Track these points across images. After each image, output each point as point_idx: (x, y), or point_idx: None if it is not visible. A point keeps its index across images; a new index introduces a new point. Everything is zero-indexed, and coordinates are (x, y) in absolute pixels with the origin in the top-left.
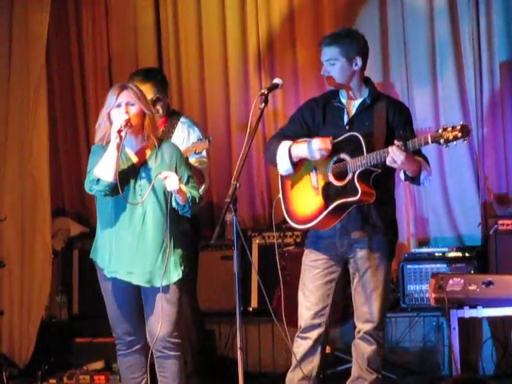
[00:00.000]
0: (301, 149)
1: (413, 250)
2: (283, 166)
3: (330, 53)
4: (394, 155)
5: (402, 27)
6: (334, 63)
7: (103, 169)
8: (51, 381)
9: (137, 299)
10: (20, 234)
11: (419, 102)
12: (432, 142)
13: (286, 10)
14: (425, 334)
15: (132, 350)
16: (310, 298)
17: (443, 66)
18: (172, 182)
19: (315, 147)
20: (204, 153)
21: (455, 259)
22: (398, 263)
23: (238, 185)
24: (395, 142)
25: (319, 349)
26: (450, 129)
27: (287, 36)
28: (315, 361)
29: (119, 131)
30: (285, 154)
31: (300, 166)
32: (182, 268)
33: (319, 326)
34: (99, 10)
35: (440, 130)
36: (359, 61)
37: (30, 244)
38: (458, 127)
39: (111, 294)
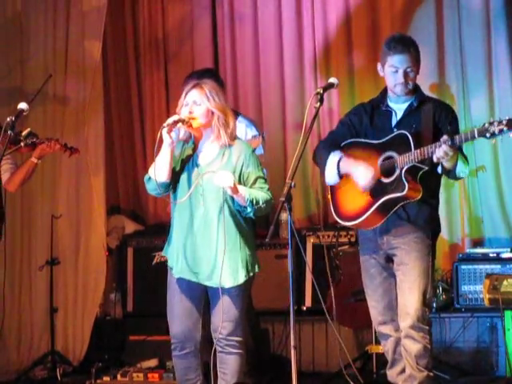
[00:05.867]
0: (348, 168)
1: (467, 251)
2: (331, 178)
3: (411, 59)
4: (442, 150)
5: (458, 28)
6: (412, 70)
7: (154, 168)
8: (105, 378)
9: (200, 299)
10: (75, 232)
11: (475, 104)
12: (478, 136)
13: (342, 11)
14: (479, 334)
15: (187, 351)
16: (374, 297)
17: (499, 67)
18: (220, 178)
19: (360, 181)
20: (261, 150)
21: (510, 260)
22: (453, 264)
23: (292, 184)
24: (443, 136)
25: None
26: (496, 123)
27: (343, 37)
28: None
29: (169, 131)
30: (333, 168)
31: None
32: (250, 268)
33: (392, 320)
34: (156, 8)
35: (486, 124)
36: (419, 65)
37: (85, 241)
38: (504, 121)
39: (176, 290)
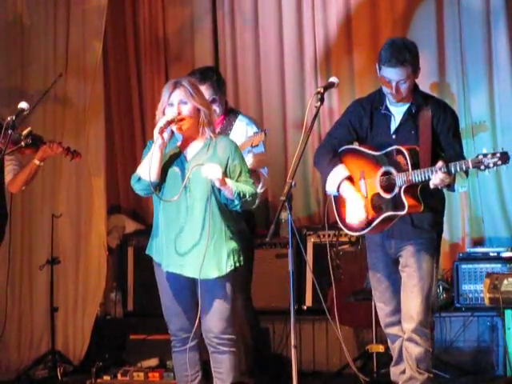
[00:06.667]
0: (346, 194)
1: (467, 250)
2: (331, 192)
3: (403, 72)
4: (438, 179)
5: (459, 28)
6: (405, 81)
7: (144, 168)
8: (105, 377)
9: (192, 295)
10: (76, 231)
11: (475, 103)
12: (473, 167)
13: (342, 11)
14: (479, 333)
15: (186, 346)
16: (382, 299)
17: (499, 66)
18: (209, 171)
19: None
20: (262, 148)
21: (510, 259)
22: (453, 263)
23: (293, 183)
24: (439, 163)
25: None
26: (489, 155)
27: (344, 37)
28: None
29: (161, 132)
30: (334, 188)
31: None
32: (235, 259)
33: (399, 322)
34: (156, 8)
35: (480, 156)
36: (419, 70)
37: (86, 241)
38: (498, 154)
39: (167, 288)
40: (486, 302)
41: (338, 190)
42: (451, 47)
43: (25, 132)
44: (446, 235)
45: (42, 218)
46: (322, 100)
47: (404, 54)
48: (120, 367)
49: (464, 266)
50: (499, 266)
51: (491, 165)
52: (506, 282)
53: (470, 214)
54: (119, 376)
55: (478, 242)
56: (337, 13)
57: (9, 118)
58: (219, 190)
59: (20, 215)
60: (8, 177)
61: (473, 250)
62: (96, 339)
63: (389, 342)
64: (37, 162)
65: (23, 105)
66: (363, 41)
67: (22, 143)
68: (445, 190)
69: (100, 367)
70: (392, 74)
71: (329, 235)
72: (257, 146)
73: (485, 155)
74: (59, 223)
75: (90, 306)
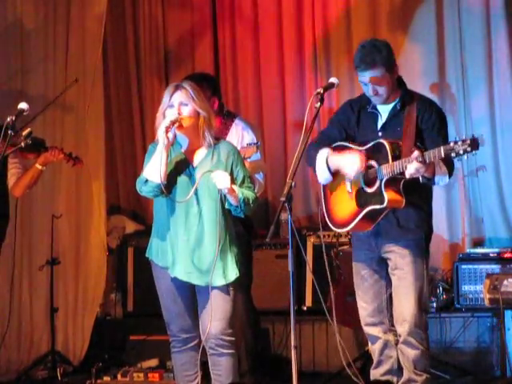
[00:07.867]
0: (336, 162)
1: (467, 251)
2: (323, 176)
3: (375, 74)
4: (413, 169)
5: (459, 27)
6: (381, 82)
7: (151, 170)
8: (105, 378)
9: (192, 296)
10: (75, 232)
11: (475, 103)
12: (445, 155)
13: (342, 9)
14: (479, 334)
15: (186, 347)
16: (365, 298)
17: (499, 67)
18: (220, 179)
19: (348, 170)
20: (259, 155)
21: (510, 260)
22: (453, 263)
23: (293, 184)
24: (414, 153)
25: (393, 343)
26: (460, 142)
27: (343, 36)
28: (393, 355)
29: (165, 132)
30: (323, 165)
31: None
32: (238, 266)
33: (381, 323)
34: (156, 9)
35: (452, 143)
36: (397, 67)
37: (85, 241)
38: (468, 141)
39: (168, 291)
40: (486, 302)
41: (328, 167)
42: (451, 47)
43: (25, 133)
44: (445, 235)
45: (42, 218)
46: (322, 100)
47: (373, 55)
48: (120, 368)
49: (464, 267)
50: (499, 266)
51: (461, 152)
52: (505, 282)
53: (470, 214)
54: (119, 376)
55: (478, 243)
56: (336, 13)
57: (8, 119)
58: (225, 197)
59: (20, 215)
60: (11, 180)
61: (473, 250)
62: (96, 339)
63: (369, 343)
64: (39, 166)
65: (23, 105)
66: (363, 40)
67: (22, 144)
68: (442, 189)
69: (100, 368)
70: (364, 77)
71: (328, 235)
72: (249, 157)
73: (455, 142)
74: (59, 224)
75: (90, 307)
